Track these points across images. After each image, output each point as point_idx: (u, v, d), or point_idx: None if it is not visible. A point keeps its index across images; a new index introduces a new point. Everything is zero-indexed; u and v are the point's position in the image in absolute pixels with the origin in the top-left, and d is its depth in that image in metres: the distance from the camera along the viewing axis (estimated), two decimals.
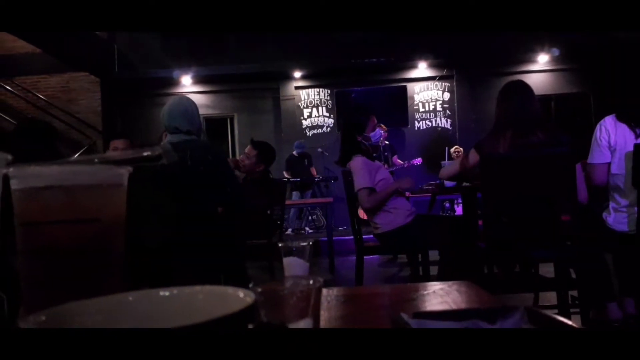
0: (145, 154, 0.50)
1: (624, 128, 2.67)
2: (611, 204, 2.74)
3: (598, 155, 2.73)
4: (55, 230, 0.47)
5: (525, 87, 2.87)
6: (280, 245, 0.77)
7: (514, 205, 2.68)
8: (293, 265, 0.74)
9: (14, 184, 0.48)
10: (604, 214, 2.78)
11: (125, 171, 0.50)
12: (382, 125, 6.69)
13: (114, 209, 0.50)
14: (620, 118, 2.69)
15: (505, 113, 2.78)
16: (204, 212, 2.95)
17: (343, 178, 3.35)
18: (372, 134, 3.41)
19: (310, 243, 0.76)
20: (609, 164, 2.71)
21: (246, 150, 4.13)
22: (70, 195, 0.47)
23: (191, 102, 3.07)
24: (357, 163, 3.25)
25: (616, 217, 2.70)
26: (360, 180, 3.20)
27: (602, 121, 2.75)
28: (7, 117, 8.79)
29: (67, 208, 0.47)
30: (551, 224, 2.63)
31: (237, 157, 9.96)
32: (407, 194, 3.55)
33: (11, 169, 0.47)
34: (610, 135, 2.69)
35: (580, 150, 2.83)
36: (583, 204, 2.74)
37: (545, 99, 9.61)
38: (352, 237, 3.42)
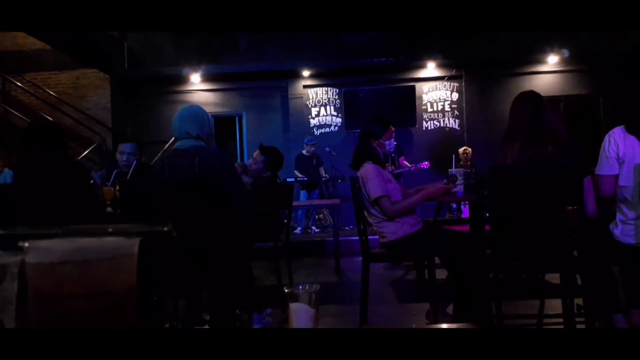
0: (158, 228, 0.52)
1: (633, 140, 2.65)
2: (618, 216, 2.73)
3: (606, 167, 2.71)
4: (68, 304, 0.48)
5: (537, 97, 2.87)
6: (286, 290, 0.78)
7: (520, 216, 2.68)
8: (299, 312, 0.75)
9: (28, 258, 0.50)
10: (611, 226, 2.77)
11: (135, 241, 0.52)
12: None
13: (125, 279, 0.51)
14: (630, 130, 2.68)
15: (516, 123, 2.79)
16: (211, 218, 2.97)
17: (351, 185, 3.35)
18: (387, 142, 3.41)
19: (317, 289, 0.77)
20: (617, 176, 2.70)
21: (254, 155, 4.15)
22: (83, 270, 0.48)
23: (202, 110, 3.12)
24: (370, 170, 3.23)
25: (623, 230, 2.69)
26: (377, 189, 3.17)
27: (611, 132, 2.74)
28: (17, 113, 8.87)
29: (80, 282, 0.48)
30: (558, 236, 2.64)
31: (245, 155, 10.01)
32: None
33: (26, 243, 0.49)
34: (619, 147, 2.67)
35: (590, 162, 2.82)
36: (592, 217, 2.74)
37: (554, 100, 9.54)
38: (358, 237, 3.42)
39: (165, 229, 0.52)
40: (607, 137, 2.75)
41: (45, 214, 2.68)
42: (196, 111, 3.05)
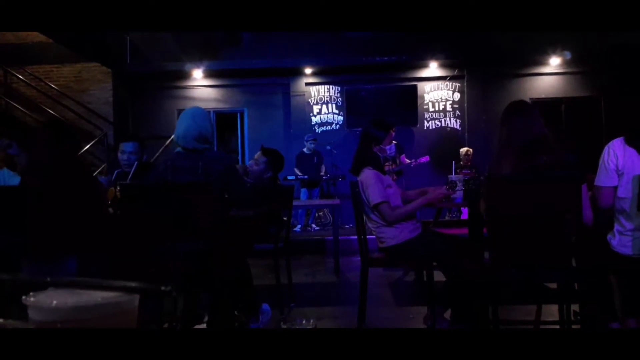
0: (158, 288, 0.53)
1: (632, 152, 2.66)
2: (616, 227, 2.74)
3: (605, 178, 2.73)
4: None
5: (528, 107, 2.84)
6: (283, 327, 0.79)
7: (518, 226, 2.68)
8: None
9: (31, 314, 0.51)
10: (609, 236, 2.78)
11: (135, 297, 0.53)
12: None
13: None
14: (629, 142, 2.69)
15: (509, 134, 2.76)
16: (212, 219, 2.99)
17: (350, 189, 3.37)
18: (388, 147, 3.41)
19: (314, 325, 0.79)
20: (616, 187, 2.71)
21: (255, 156, 4.17)
22: (85, 327, 0.49)
23: (204, 118, 3.07)
24: (370, 176, 3.24)
25: (621, 240, 2.71)
26: (377, 195, 3.18)
27: (610, 144, 2.74)
28: (19, 107, 8.88)
29: None
30: (557, 247, 2.64)
31: (246, 151, 10.01)
32: None
33: (31, 299, 0.50)
34: (619, 158, 2.68)
35: (587, 167, 2.82)
36: (587, 225, 2.74)
37: (555, 102, 9.56)
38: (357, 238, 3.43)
39: (164, 288, 0.53)
40: (606, 148, 2.75)
41: (52, 216, 2.69)
42: (199, 127, 3.01)
